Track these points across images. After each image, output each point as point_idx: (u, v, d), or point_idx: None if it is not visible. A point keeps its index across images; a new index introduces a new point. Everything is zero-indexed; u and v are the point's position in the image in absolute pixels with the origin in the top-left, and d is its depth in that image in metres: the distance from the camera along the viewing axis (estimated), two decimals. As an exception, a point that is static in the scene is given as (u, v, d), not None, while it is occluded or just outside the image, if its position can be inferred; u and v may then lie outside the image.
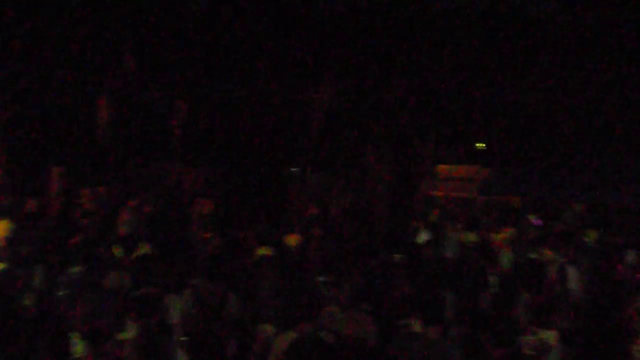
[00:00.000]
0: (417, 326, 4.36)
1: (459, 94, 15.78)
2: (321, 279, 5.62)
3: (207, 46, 15.00)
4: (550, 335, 4.96)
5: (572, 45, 15.44)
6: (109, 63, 12.78)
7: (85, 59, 12.77)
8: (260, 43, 15.26)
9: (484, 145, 18.44)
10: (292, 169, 16.20)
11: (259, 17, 15.67)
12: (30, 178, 12.48)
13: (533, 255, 7.42)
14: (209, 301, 5.51)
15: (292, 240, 7.39)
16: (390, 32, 15.68)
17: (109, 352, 2.81)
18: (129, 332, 4.03)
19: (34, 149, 12.98)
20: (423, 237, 9.79)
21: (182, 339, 5.28)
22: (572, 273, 6.65)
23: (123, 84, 12.83)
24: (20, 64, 11.89)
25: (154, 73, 13.61)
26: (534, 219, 10.62)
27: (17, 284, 6.55)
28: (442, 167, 16.12)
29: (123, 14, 13.71)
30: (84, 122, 12.49)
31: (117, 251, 6.91)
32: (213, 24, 15.22)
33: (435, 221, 11.61)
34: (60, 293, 5.68)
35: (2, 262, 6.95)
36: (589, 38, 15.23)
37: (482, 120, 16.43)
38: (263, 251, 6.52)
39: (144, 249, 6.81)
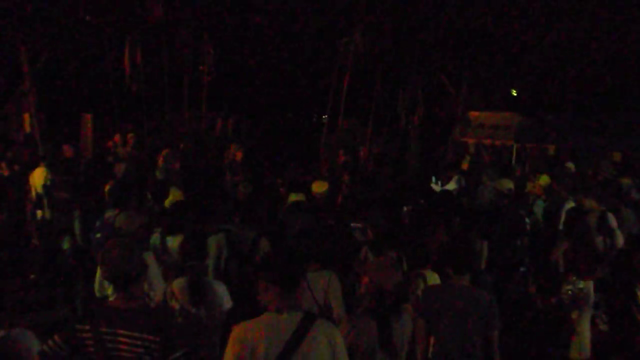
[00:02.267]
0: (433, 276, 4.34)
1: (494, 38, 15.25)
2: (353, 225, 5.61)
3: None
4: (587, 284, 4.88)
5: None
6: (138, 8, 12.64)
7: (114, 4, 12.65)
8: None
9: (514, 92, 17.99)
10: (323, 117, 16.08)
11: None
12: (63, 124, 12.66)
13: (570, 204, 7.28)
14: (242, 246, 5.55)
15: (320, 186, 7.34)
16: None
17: (137, 295, 2.86)
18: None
19: (66, 95, 13.11)
20: (455, 184, 9.70)
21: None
22: (612, 221, 6.50)
23: (151, 28, 12.71)
24: (50, 10, 11.84)
25: (182, 19, 13.43)
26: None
27: (56, 229, 6.72)
28: (474, 114, 15.79)
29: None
30: (115, 68, 12.49)
31: (151, 196, 6.98)
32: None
33: (467, 168, 11.48)
34: (98, 235, 5.78)
35: (40, 208, 7.12)
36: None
37: (517, 66, 15.94)
38: (295, 197, 6.50)
39: (176, 194, 6.86)
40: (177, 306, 3.86)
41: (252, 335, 2.70)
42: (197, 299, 3.92)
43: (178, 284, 3.99)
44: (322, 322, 2.84)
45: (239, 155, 10.65)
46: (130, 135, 11.20)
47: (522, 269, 5.59)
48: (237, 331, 2.75)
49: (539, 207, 7.76)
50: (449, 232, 5.17)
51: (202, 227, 5.81)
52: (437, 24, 14.47)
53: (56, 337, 2.75)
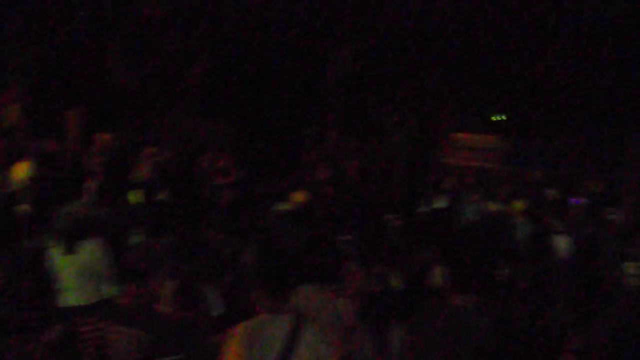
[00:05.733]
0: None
1: (483, 61, 15.43)
2: (341, 237, 5.60)
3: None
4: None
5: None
6: (130, 6, 12.56)
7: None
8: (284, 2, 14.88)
9: (502, 116, 18.18)
10: (309, 129, 16.09)
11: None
12: (49, 119, 12.43)
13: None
14: (223, 251, 5.51)
15: (299, 196, 7.35)
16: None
17: (142, 292, 2.88)
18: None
19: (53, 90, 12.90)
20: (439, 203, 9.75)
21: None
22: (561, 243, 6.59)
23: (143, 28, 12.64)
24: (39, 5, 11.71)
25: (175, 21, 13.36)
26: (573, 199, 10.50)
27: (38, 225, 6.57)
28: (459, 136, 15.94)
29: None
30: (104, 65, 12.38)
31: (132, 197, 6.89)
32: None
33: (450, 188, 11.54)
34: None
35: (23, 203, 6.98)
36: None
37: (505, 90, 16.12)
38: (282, 206, 6.48)
39: (162, 196, 6.79)
40: (167, 310, 3.80)
41: (249, 335, 2.73)
42: (189, 303, 3.88)
43: (169, 286, 3.93)
44: (312, 325, 2.91)
45: (225, 161, 10.61)
46: (109, 134, 11.00)
47: (503, 290, 5.62)
48: (234, 332, 2.78)
49: (522, 230, 7.82)
50: (437, 251, 5.18)
51: (186, 231, 5.76)
52: (424, 46, 14.62)
53: (56, 329, 2.87)
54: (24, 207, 6.70)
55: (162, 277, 2.99)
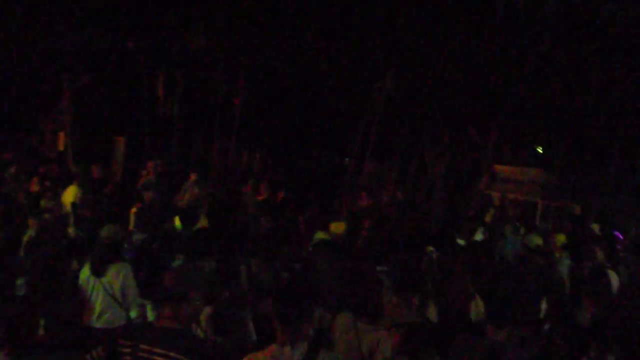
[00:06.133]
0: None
1: (525, 95, 15.31)
2: (379, 268, 5.59)
3: (274, 32, 14.94)
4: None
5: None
6: (179, 39, 12.98)
7: (155, 32, 12.98)
8: (324, 35, 15.12)
9: (540, 149, 17.93)
10: (346, 159, 16.17)
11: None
12: (96, 146, 12.88)
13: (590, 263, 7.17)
14: (261, 279, 5.54)
15: (337, 227, 7.34)
16: (457, 27, 15.29)
17: (182, 316, 2.91)
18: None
19: (100, 118, 13.37)
20: (479, 235, 9.62)
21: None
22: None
23: (190, 61, 13.02)
24: (90, 36, 12.21)
25: (221, 55, 13.71)
26: (617, 233, 10.25)
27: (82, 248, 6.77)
28: (500, 168, 15.75)
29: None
30: (151, 95, 12.78)
31: (178, 222, 7.04)
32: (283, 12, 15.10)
33: (491, 221, 11.37)
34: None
35: (70, 226, 7.21)
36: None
37: (546, 123, 15.92)
38: (320, 235, 6.50)
39: (203, 222, 6.91)
40: (201, 334, 3.85)
41: None
42: (223, 329, 3.92)
43: (205, 312, 3.98)
44: (327, 354, 2.84)
45: (265, 191, 10.74)
46: (159, 162, 11.34)
47: (546, 326, 5.49)
48: None
49: (563, 265, 7.63)
50: (475, 284, 5.12)
51: (224, 257, 5.83)
52: (468, 78, 14.60)
53: (100, 350, 2.91)
54: (70, 230, 6.91)
55: (199, 302, 2.98)
